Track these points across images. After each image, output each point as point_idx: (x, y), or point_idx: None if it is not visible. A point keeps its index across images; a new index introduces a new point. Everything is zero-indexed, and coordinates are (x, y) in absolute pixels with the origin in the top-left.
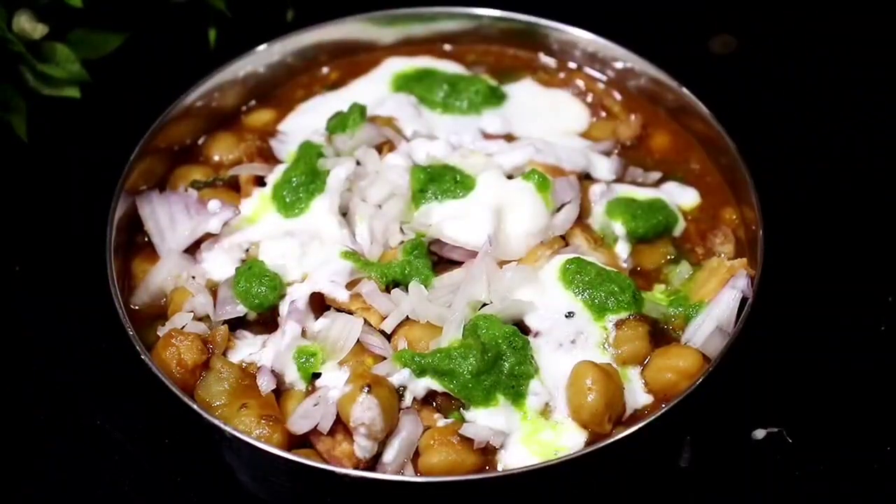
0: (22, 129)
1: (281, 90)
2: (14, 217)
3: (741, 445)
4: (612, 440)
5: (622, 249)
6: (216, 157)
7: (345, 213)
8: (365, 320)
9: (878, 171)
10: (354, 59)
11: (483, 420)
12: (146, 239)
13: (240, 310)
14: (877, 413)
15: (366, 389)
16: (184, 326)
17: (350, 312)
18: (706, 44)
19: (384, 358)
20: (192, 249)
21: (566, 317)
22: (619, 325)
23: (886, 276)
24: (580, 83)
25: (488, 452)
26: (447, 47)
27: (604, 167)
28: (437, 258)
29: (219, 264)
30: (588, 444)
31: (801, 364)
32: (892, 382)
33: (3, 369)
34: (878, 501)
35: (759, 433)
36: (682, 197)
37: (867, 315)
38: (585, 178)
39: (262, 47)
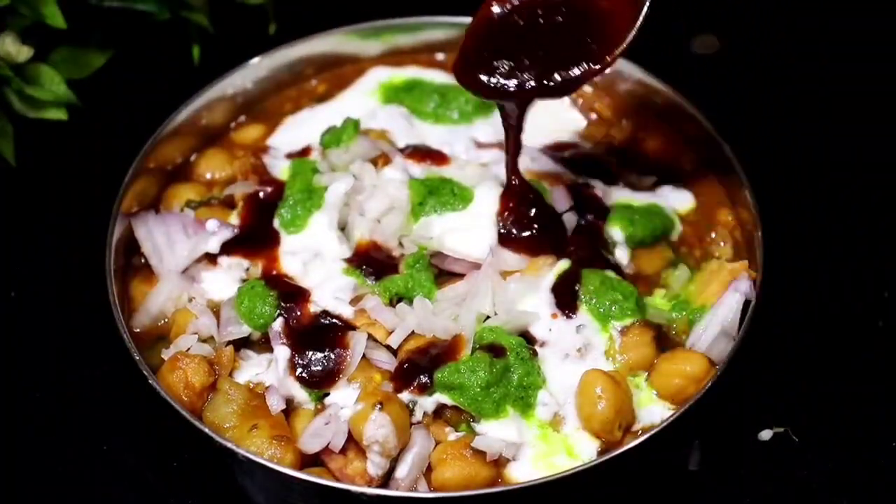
0: (10, 153)
1: (269, 104)
2: (7, 243)
3: (748, 446)
4: (625, 448)
5: (621, 255)
6: (208, 175)
7: (342, 227)
8: (370, 335)
9: (872, 168)
10: (340, 72)
11: (493, 432)
12: (143, 261)
13: (244, 330)
14: (882, 410)
15: (378, 407)
16: (189, 348)
17: (354, 328)
18: (688, 45)
19: (392, 373)
20: (190, 269)
21: None
22: (624, 332)
23: (886, 277)
24: None
25: (500, 465)
26: (440, 56)
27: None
28: (438, 271)
29: (218, 284)
30: (600, 452)
31: (805, 364)
32: None
33: (7, 398)
34: (884, 499)
35: (766, 434)
36: (677, 200)
37: (867, 314)
38: None
39: (254, 60)
